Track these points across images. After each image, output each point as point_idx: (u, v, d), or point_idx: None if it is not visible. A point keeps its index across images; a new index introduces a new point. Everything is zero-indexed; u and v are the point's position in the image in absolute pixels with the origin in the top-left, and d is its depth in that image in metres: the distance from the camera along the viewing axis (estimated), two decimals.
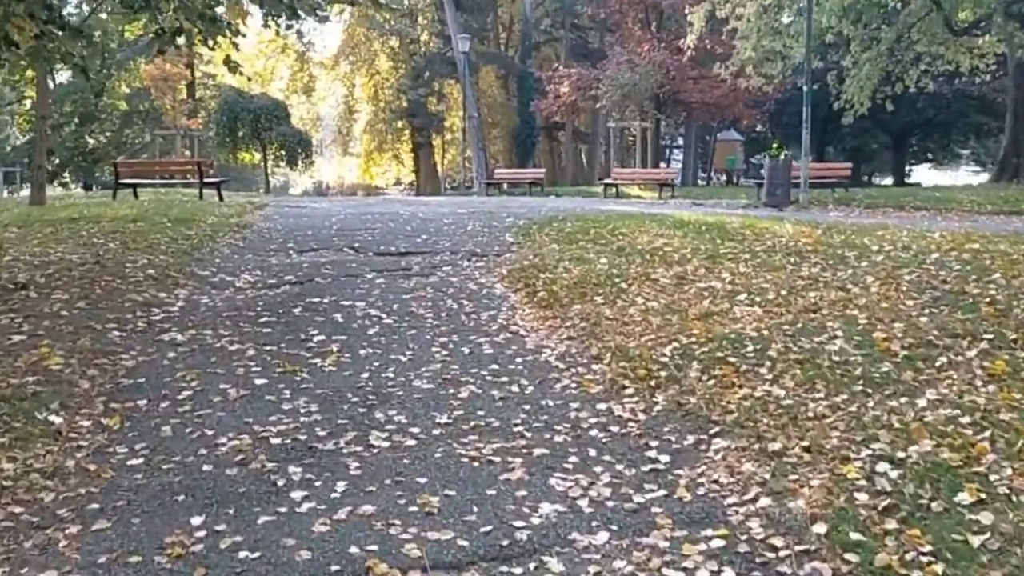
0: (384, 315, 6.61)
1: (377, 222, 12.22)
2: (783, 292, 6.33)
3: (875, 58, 21.31)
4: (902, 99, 24.71)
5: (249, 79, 34.25)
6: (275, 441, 4.12)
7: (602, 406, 4.60)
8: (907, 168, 48.68)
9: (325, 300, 7.09)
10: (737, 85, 25.88)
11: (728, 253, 7.77)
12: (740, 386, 4.60)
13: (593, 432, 4.26)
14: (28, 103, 45.61)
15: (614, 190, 22.89)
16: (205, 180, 16.11)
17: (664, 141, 43.13)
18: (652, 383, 4.81)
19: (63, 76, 46.22)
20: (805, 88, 15.85)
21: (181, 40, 9.24)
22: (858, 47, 20.95)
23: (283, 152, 34.11)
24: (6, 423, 4.14)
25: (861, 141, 44.95)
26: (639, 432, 4.24)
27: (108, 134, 43.02)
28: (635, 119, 28.25)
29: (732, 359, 4.97)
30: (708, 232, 9.28)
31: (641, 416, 4.43)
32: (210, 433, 4.22)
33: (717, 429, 4.15)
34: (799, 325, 5.49)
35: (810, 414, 4.18)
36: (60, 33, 8.29)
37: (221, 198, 15.84)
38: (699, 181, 42.19)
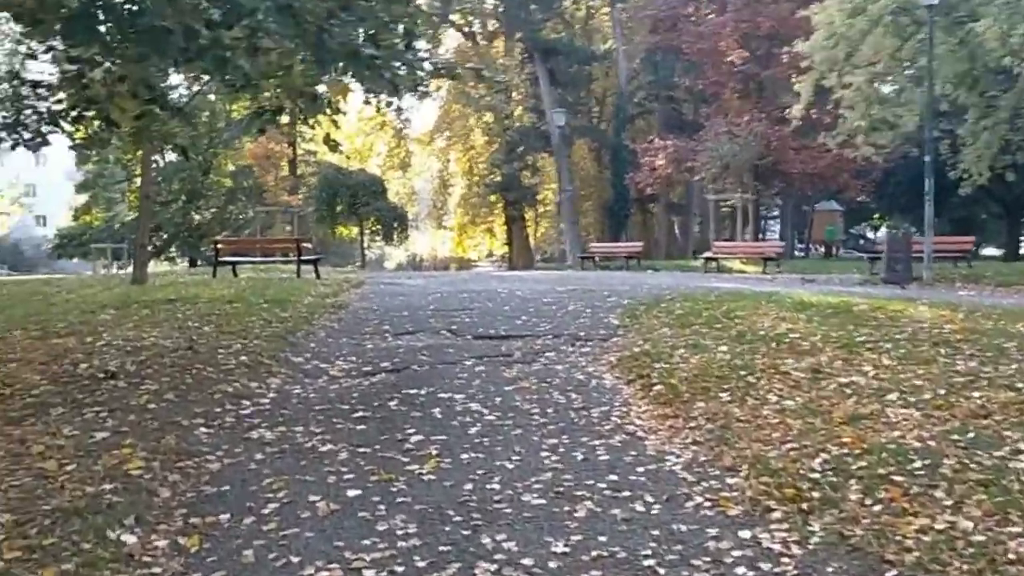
0: (486, 410, 6.08)
1: (474, 302, 11.80)
2: (940, 391, 5.53)
3: (993, 126, 20.14)
4: (1016, 168, 23.36)
5: (348, 157, 35.07)
6: (368, 573, 3.58)
7: (745, 534, 3.91)
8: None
9: (422, 392, 6.61)
10: (842, 155, 25.01)
11: (865, 342, 6.99)
12: (914, 514, 3.86)
13: (740, 570, 3.57)
14: (139, 181, 47.81)
15: (715, 264, 22.10)
16: (303, 258, 16.11)
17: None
18: (803, 506, 4.10)
19: (172, 155, 48.47)
20: (927, 159, 14.98)
21: (284, 119, 9.14)
22: (976, 115, 19.85)
23: (379, 227, 34.59)
24: (75, 543, 3.72)
25: (970, 211, 42.85)
26: (796, 571, 3.54)
27: (213, 210, 44.46)
28: (735, 191, 27.49)
29: (898, 477, 4.23)
30: (836, 315, 8.49)
31: (795, 549, 3.72)
32: (296, 560, 3.71)
33: (895, 572, 3.43)
34: (971, 434, 4.71)
35: (1011, 556, 3.42)
36: (161, 113, 8.25)
37: (318, 275, 15.76)
38: (796, 253, 40.85)
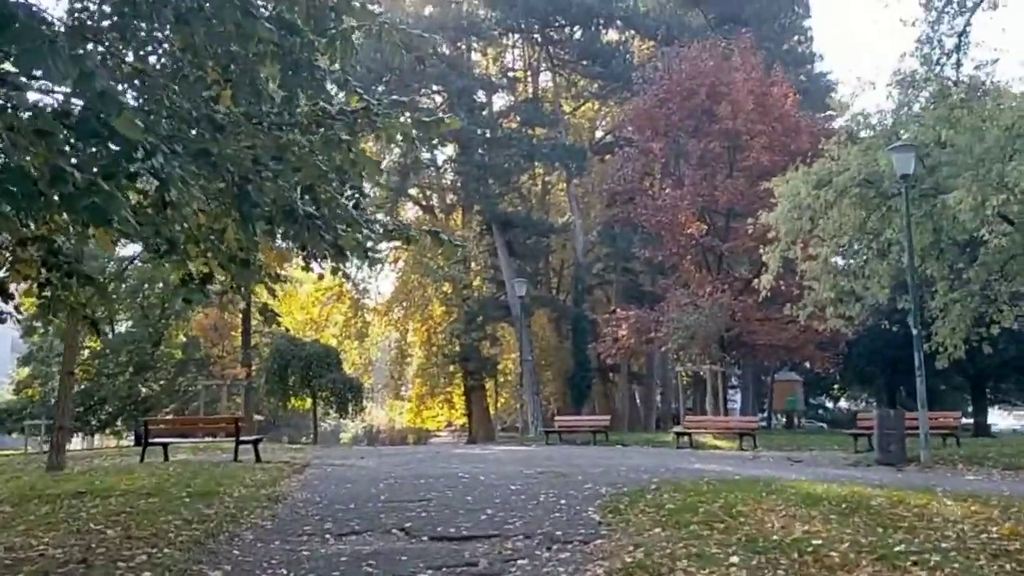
0: None
1: (432, 490, 10.43)
2: None
3: (965, 299, 19.79)
4: (991, 340, 22.97)
5: (288, 330, 33.86)
6: None
7: None
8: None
9: None
10: (808, 326, 24.60)
11: (906, 552, 5.79)
12: None
13: None
14: (86, 353, 45.81)
15: (687, 439, 20.91)
16: (241, 438, 14.54)
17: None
18: None
19: (122, 326, 46.78)
20: (914, 331, 14.36)
21: (216, 287, 8.09)
22: (944, 287, 19.50)
23: (333, 399, 33.05)
24: None
25: (932, 383, 42.51)
26: None
27: (162, 382, 42.48)
28: (704, 362, 26.70)
29: None
30: (854, 512, 7.31)
31: None
32: None
33: None
34: None
35: None
36: (69, 281, 7.14)
37: (258, 458, 14.21)
38: (760, 423, 39.95)
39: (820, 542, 6.21)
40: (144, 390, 40.73)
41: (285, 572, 6.50)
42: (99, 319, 8.04)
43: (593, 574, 6.21)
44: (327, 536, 7.81)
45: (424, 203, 45.47)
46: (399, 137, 7.16)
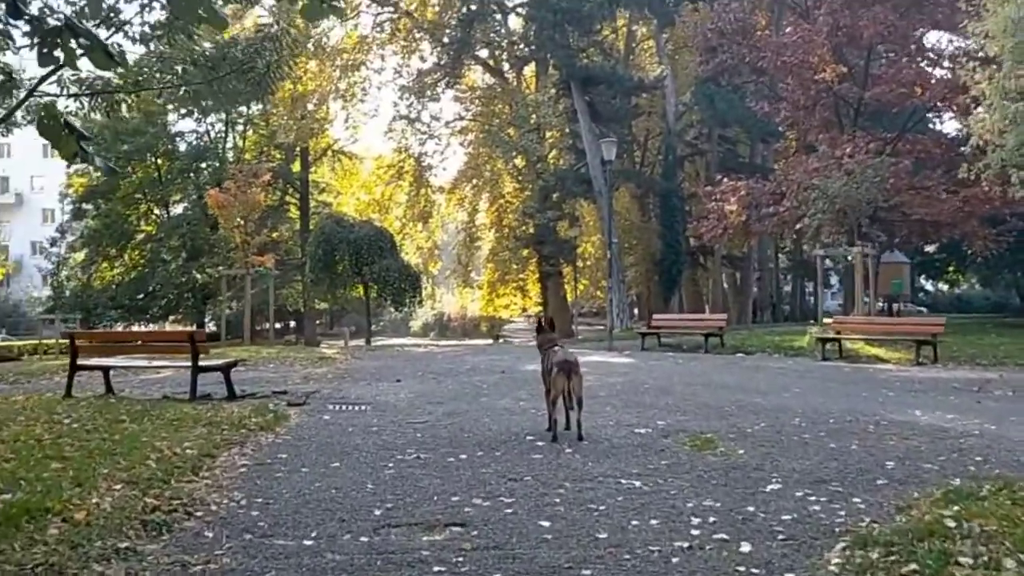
0: None
1: (477, 488, 5.61)
2: None
3: None
4: None
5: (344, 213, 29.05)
6: None
7: None
8: None
9: None
10: (972, 196, 18.91)
11: None
12: None
13: None
14: (139, 237, 42.11)
15: (835, 346, 15.61)
16: (201, 364, 9.54)
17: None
18: None
19: (177, 208, 42.73)
20: None
21: None
22: None
23: (387, 290, 28.41)
24: None
25: None
26: None
27: (220, 268, 38.94)
28: (846, 242, 20.78)
29: None
30: None
31: None
32: None
33: None
34: None
35: None
36: None
37: (232, 393, 9.55)
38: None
39: None
40: (199, 277, 37.14)
41: None
42: None
43: None
44: None
45: (492, 63, 39.43)
46: None
